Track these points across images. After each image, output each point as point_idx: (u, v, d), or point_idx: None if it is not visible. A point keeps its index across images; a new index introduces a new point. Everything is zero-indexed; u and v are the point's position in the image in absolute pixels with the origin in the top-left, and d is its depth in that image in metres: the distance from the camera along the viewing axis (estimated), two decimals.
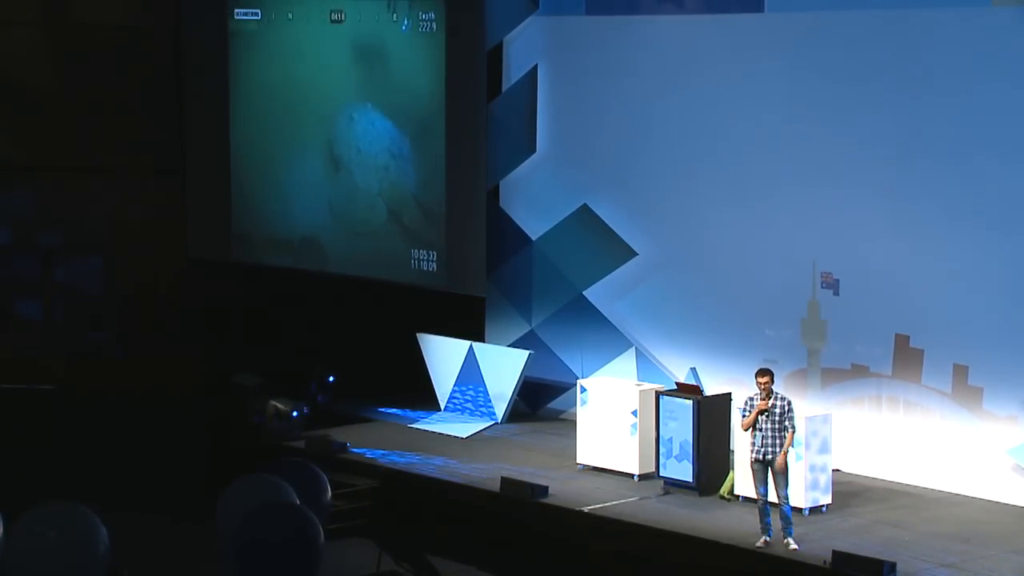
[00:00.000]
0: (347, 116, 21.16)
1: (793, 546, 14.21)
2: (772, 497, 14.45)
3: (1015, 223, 15.71)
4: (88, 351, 23.09)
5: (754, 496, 15.66)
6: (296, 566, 11.77)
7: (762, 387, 14.41)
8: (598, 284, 19.06)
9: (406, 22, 20.20)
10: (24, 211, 23.35)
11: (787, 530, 14.31)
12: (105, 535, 12.09)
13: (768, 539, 14.41)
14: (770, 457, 14.39)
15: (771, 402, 14.39)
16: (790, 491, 14.55)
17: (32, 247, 23.31)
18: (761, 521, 14.47)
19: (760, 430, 14.40)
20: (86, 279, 23.40)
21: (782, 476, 14.35)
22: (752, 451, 14.48)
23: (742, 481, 15.87)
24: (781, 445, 14.38)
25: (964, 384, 16.08)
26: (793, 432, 14.46)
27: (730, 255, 17.79)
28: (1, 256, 23.29)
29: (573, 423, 17.72)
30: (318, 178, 21.53)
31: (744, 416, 14.56)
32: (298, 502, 12.97)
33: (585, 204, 19.12)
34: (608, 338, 18.89)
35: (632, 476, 16.80)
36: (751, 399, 14.55)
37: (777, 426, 14.39)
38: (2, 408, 21.23)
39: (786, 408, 14.44)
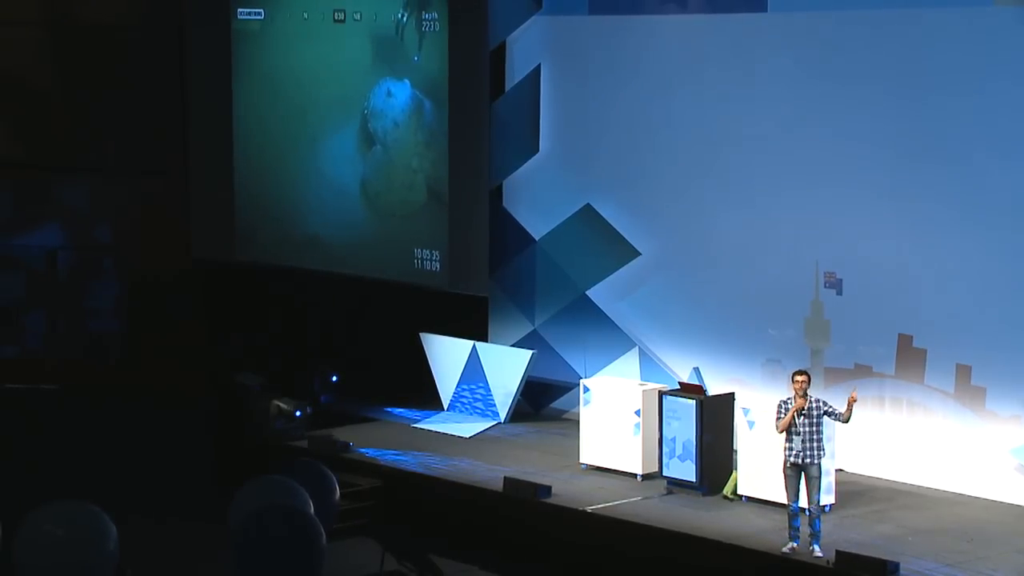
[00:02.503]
0: (351, 115, 21.18)
1: (818, 553, 14.12)
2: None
3: (1018, 223, 15.70)
4: (92, 351, 23.11)
5: (759, 496, 15.70)
6: (298, 567, 11.77)
7: (799, 386, 14.16)
8: (601, 284, 19.07)
9: (406, 34, 20.25)
10: (28, 210, 23.37)
11: (815, 539, 14.17)
12: (115, 533, 12.10)
13: (795, 545, 14.26)
14: (808, 461, 14.20)
15: (807, 403, 14.20)
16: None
17: (36, 246, 23.33)
18: (790, 527, 14.31)
19: (798, 433, 14.17)
20: (89, 279, 23.41)
21: (813, 480, 14.23)
22: (789, 455, 14.24)
23: (746, 481, 15.89)
24: (819, 449, 14.20)
25: (967, 384, 16.08)
26: (845, 412, 14.10)
27: (733, 255, 17.79)
28: (4, 255, 23.31)
29: (576, 423, 17.72)
30: (321, 178, 21.54)
31: (780, 418, 14.28)
32: (311, 503, 12.97)
33: (588, 204, 19.12)
34: (611, 338, 18.89)
35: (635, 476, 16.81)
36: (785, 402, 14.33)
37: (815, 428, 14.20)
38: (7, 408, 21.26)
39: (822, 405, 14.22)
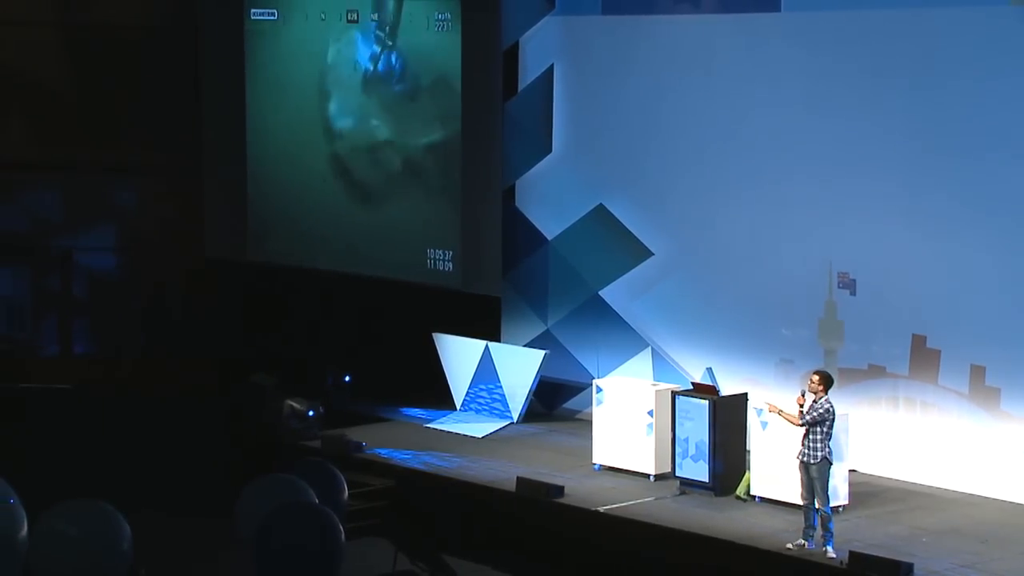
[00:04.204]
0: (362, 113, 21.20)
1: (831, 554, 14.11)
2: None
3: None
4: (105, 350, 23.14)
5: (772, 497, 15.70)
6: (318, 567, 11.78)
7: (808, 384, 14.36)
8: (614, 284, 19.04)
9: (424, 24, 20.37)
10: (41, 210, 23.41)
11: (827, 539, 14.17)
12: (128, 532, 12.12)
13: (804, 543, 14.28)
14: (803, 460, 14.29)
15: (806, 403, 14.26)
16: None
17: (49, 246, 23.37)
18: (805, 522, 14.35)
19: (807, 432, 14.30)
20: (103, 278, 23.44)
21: (818, 481, 14.23)
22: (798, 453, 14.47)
23: (759, 481, 15.87)
24: (812, 449, 14.25)
25: (981, 385, 16.03)
26: (800, 421, 14.22)
27: (747, 255, 17.76)
28: (18, 255, 23.34)
29: (589, 423, 17.70)
30: (332, 176, 21.56)
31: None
32: (317, 502, 12.99)
33: (601, 204, 19.10)
34: (624, 338, 18.86)
35: (648, 476, 16.79)
36: (804, 393, 14.47)
37: (816, 428, 14.24)
38: (21, 407, 21.30)
39: (820, 408, 14.21)
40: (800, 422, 14.31)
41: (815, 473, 14.27)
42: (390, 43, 20.77)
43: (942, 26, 16.12)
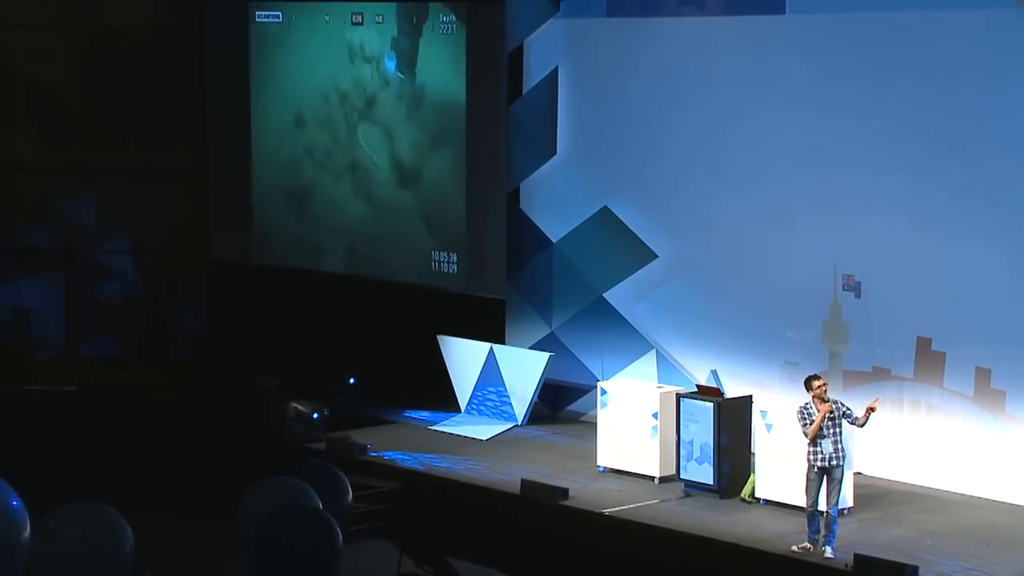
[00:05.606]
0: (367, 116, 21.19)
1: (829, 555, 14.12)
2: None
3: None
4: (110, 352, 23.16)
5: (777, 499, 15.67)
6: (315, 568, 11.79)
7: (819, 390, 14.19)
8: (619, 286, 19.04)
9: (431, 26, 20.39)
10: (48, 212, 23.43)
11: (828, 538, 14.19)
12: (130, 535, 12.13)
13: (810, 546, 14.30)
14: (834, 464, 14.22)
15: (836, 406, 14.26)
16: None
17: (55, 248, 23.39)
18: (809, 527, 14.35)
19: (824, 437, 14.19)
20: (108, 280, 23.47)
21: (836, 483, 14.24)
22: (816, 460, 14.23)
23: (764, 484, 15.85)
24: (843, 451, 14.21)
25: (986, 387, 16.01)
26: (863, 422, 14.20)
27: (751, 257, 17.75)
28: (24, 257, 23.37)
29: (593, 425, 17.70)
30: (337, 179, 21.56)
31: (807, 424, 14.22)
32: (320, 505, 12.99)
33: (605, 206, 19.09)
34: (628, 340, 18.85)
35: (652, 478, 16.78)
36: (804, 407, 14.31)
37: (839, 431, 14.22)
38: (25, 409, 21.32)
39: (841, 407, 14.25)
40: (863, 422, 14.25)
41: (839, 475, 14.27)
42: (394, 45, 20.79)
43: (947, 28, 16.10)
